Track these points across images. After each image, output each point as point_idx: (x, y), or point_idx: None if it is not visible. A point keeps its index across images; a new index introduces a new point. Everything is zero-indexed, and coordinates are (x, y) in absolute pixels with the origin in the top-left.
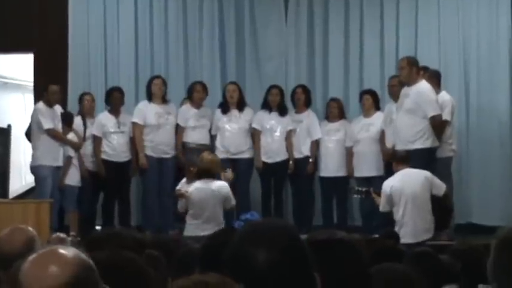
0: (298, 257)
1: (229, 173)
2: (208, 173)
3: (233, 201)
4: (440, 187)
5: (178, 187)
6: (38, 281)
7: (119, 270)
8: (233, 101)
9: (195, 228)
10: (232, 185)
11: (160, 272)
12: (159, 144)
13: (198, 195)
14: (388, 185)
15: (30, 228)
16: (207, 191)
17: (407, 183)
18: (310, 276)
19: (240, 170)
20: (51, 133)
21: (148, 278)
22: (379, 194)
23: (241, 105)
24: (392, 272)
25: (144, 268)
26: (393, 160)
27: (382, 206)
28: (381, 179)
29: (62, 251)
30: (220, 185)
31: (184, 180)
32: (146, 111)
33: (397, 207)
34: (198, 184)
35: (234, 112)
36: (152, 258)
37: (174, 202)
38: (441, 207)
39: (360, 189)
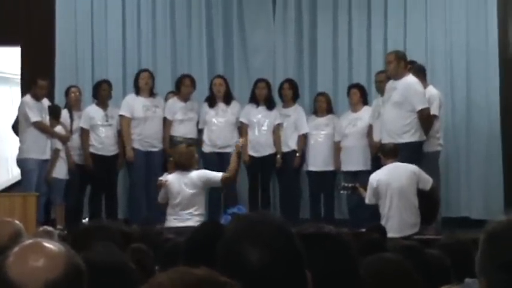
0: (291, 255)
1: (242, 140)
2: (181, 165)
3: (217, 177)
4: (427, 181)
5: (160, 178)
6: (27, 275)
7: (103, 268)
8: (220, 95)
9: (174, 219)
10: None
11: (147, 265)
12: (146, 137)
13: (175, 184)
14: (375, 178)
15: (16, 221)
16: (184, 179)
17: (394, 177)
18: (302, 274)
19: (226, 163)
20: (39, 126)
21: (132, 275)
22: (365, 189)
23: (228, 99)
24: (386, 262)
25: (128, 266)
26: (381, 154)
27: (368, 199)
28: (368, 174)
29: (47, 244)
30: (197, 173)
31: (166, 173)
32: (134, 104)
33: (383, 201)
34: (174, 174)
35: (221, 106)
36: (139, 251)
37: None
38: (428, 201)
39: (346, 185)
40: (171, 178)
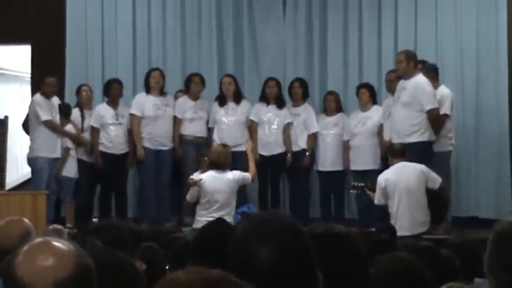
0: (301, 254)
1: (250, 143)
2: (218, 164)
3: (248, 177)
4: (436, 180)
5: (191, 176)
6: (36, 274)
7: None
8: (229, 94)
9: (205, 220)
10: None
11: (158, 264)
12: (156, 136)
13: (211, 183)
14: (383, 178)
15: (25, 220)
16: (221, 180)
17: (402, 176)
18: (313, 273)
19: (237, 162)
20: (49, 124)
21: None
22: (373, 190)
23: (237, 98)
24: (398, 260)
25: (134, 267)
26: (389, 153)
27: (377, 199)
28: (377, 173)
29: (56, 243)
30: (231, 174)
31: (198, 172)
32: (144, 103)
33: (392, 201)
34: (211, 173)
35: (231, 105)
36: (150, 250)
37: (171, 194)
38: (437, 200)
39: (356, 184)
40: (206, 177)
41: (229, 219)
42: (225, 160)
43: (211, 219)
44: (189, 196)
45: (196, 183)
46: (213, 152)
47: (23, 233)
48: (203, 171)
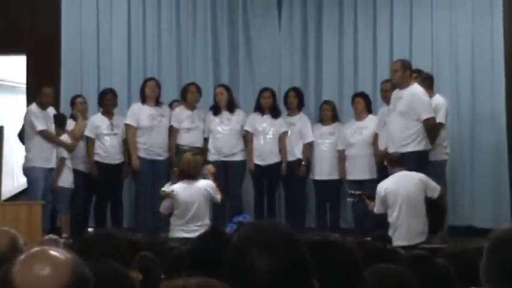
0: (298, 262)
1: (210, 167)
2: (188, 174)
3: (218, 197)
4: (435, 189)
5: (163, 188)
6: (32, 283)
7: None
8: (222, 104)
9: (181, 230)
10: (225, 187)
11: (154, 274)
12: (152, 146)
13: (183, 194)
14: (383, 187)
15: (11, 230)
16: (192, 189)
17: (402, 185)
18: (310, 281)
19: (232, 172)
20: (44, 134)
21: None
22: (370, 198)
23: (231, 107)
24: (388, 272)
25: (129, 278)
26: (388, 163)
27: (377, 208)
28: (374, 183)
29: (54, 252)
30: (204, 184)
31: (169, 183)
32: (139, 113)
33: (392, 210)
34: (181, 184)
35: (225, 114)
36: (146, 259)
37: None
38: (435, 209)
39: (353, 192)
40: (177, 188)
41: (203, 228)
42: (195, 169)
43: (186, 228)
44: (162, 208)
45: (169, 195)
46: (183, 161)
47: (11, 241)
48: (174, 183)
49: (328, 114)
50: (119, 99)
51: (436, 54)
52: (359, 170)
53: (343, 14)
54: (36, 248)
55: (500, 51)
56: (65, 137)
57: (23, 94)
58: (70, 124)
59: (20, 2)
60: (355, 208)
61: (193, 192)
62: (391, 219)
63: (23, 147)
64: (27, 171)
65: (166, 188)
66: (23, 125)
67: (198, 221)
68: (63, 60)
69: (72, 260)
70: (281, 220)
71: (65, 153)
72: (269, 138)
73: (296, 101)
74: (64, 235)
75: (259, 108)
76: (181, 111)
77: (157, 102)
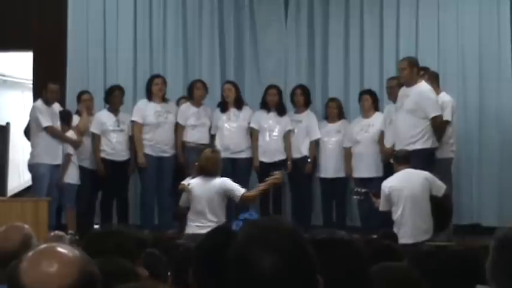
0: (303, 260)
1: (277, 174)
2: (205, 170)
3: (239, 191)
4: (440, 188)
5: (182, 182)
6: (40, 280)
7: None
8: (230, 100)
9: (195, 226)
10: None
11: (160, 271)
12: (158, 143)
13: (198, 189)
14: (387, 185)
15: (26, 226)
16: (206, 186)
17: (407, 183)
18: (315, 279)
19: (239, 169)
20: (50, 130)
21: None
22: (377, 196)
23: (239, 104)
24: (394, 270)
25: (136, 273)
26: (394, 160)
27: (382, 206)
28: (380, 180)
29: (61, 249)
30: (219, 181)
31: (189, 177)
32: (146, 110)
33: (396, 207)
34: (198, 179)
35: (233, 111)
36: (153, 256)
37: (173, 201)
38: (441, 208)
39: (359, 190)
40: (194, 182)
41: (215, 225)
42: (212, 166)
43: (200, 224)
44: (181, 201)
45: (184, 188)
46: (202, 157)
47: (23, 239)
48: (193, 177)
49: (334, 112)
50: (124, 96)
51: (442, 51)
52: (365, 167)
53: (349, 11)
54: (44, 245)
55: (507, 49)
56: (70, 134)
57: (29, 91)
58: (75, 120)
59: None
60: (361, 206)
61: (207, 189)
62: (395, 216)
63: (29, 143)
64: (32, 167)
65: (186, 182)
66: (29, 121)
67: (213, 217)
68: (69, 57)
69: (80, 257)
70: (287, 217)
71: (70, 150)
72: (274, 135)
73: (303, 98)
74: (70, 231)
75: (265, 106)
76: (187, 108)
77: (164, 99)
